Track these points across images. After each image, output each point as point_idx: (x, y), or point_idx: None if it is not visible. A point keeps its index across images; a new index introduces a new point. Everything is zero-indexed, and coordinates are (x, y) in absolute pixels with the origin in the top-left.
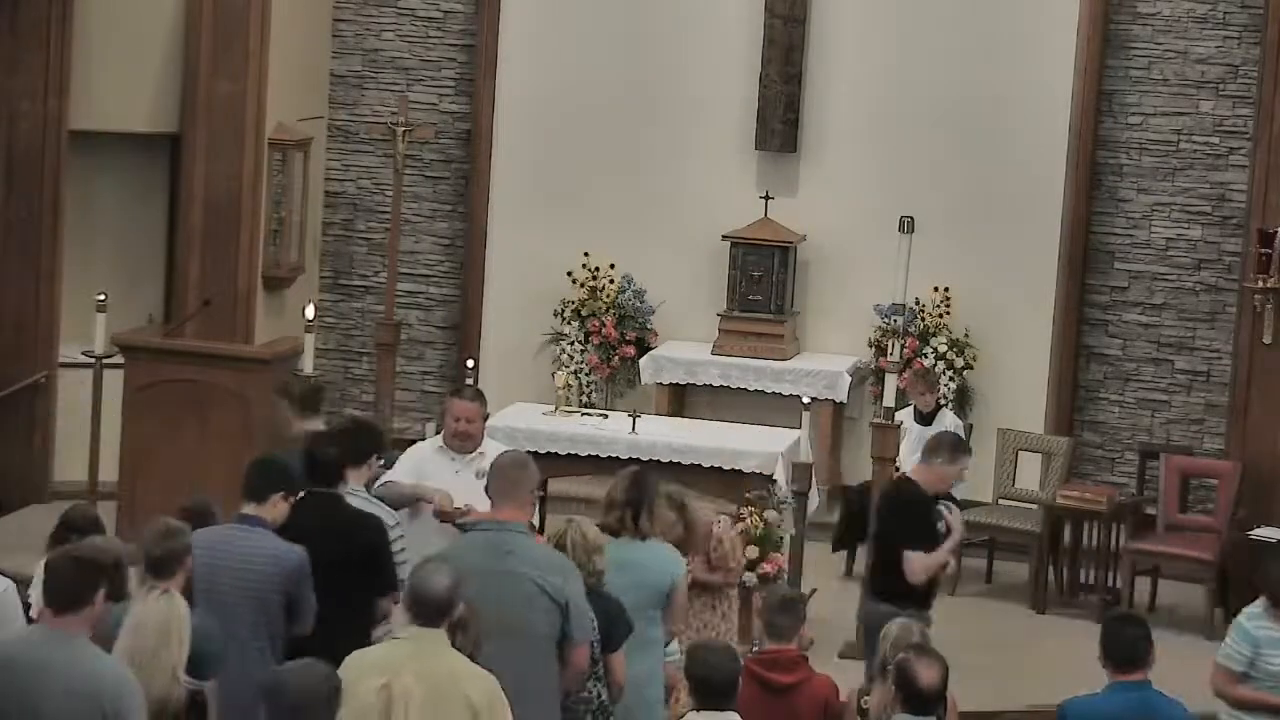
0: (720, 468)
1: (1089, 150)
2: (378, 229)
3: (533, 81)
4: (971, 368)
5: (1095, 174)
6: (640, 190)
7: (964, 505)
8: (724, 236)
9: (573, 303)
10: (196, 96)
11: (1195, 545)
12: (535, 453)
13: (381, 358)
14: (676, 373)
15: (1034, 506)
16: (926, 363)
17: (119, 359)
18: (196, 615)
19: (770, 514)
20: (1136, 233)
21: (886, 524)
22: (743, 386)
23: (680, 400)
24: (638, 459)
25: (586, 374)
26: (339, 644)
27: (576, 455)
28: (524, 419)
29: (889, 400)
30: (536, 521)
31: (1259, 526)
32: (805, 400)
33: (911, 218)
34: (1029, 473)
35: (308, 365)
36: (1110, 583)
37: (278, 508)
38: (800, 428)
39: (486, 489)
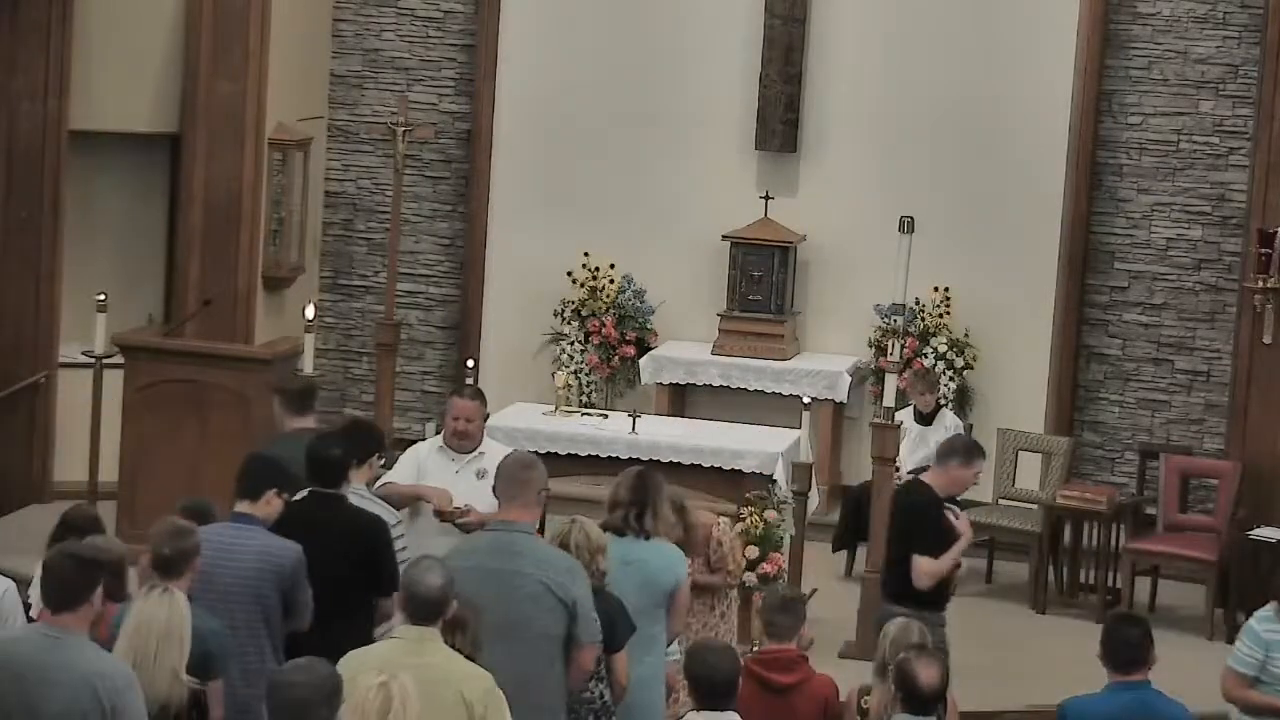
0: (720, 468)
1: (1089, 150)
2: (378, 229)
3: (533, 81)
4: (971, 368)
5: (1095, 174)
6: (640, 190)
7: (964, 505)
8: (724, 236)
9: (573, 303)
10: (196, 96)
11: (1195, 545)
12: (535, 453)
13: (381, 358)
14: (676, 373)
15: (1034, 506)
16: (926, 363)
17: (119, 359)
18: (200, 615)
19: (770, 514)
20: (1136, 233)
21: (898, 527)
22: (743, 386)
23: (680, 400)
24: (638, 459)
25: (586, 374)
26: (341, 643)
27: (576, 455)
28: (524, 419)
29: (889, 400)
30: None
31: (1259, 526)
32: (805, 400)
33: (911, 218)
34: (1029, 473)
35: (307, 365)
36: (1110, 583)
37: (271, 504)
38: (800, 428)
39: (494, 490)
